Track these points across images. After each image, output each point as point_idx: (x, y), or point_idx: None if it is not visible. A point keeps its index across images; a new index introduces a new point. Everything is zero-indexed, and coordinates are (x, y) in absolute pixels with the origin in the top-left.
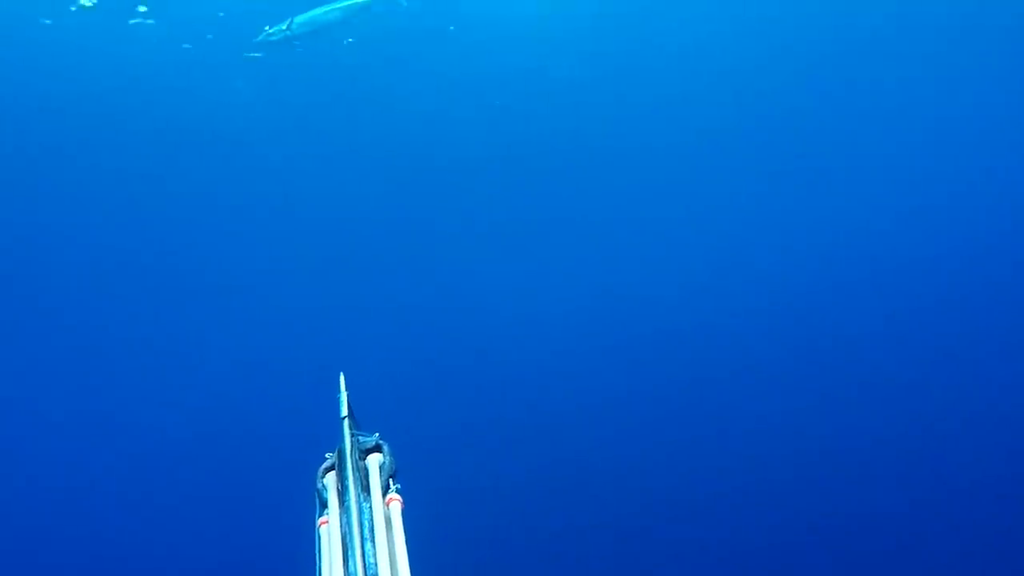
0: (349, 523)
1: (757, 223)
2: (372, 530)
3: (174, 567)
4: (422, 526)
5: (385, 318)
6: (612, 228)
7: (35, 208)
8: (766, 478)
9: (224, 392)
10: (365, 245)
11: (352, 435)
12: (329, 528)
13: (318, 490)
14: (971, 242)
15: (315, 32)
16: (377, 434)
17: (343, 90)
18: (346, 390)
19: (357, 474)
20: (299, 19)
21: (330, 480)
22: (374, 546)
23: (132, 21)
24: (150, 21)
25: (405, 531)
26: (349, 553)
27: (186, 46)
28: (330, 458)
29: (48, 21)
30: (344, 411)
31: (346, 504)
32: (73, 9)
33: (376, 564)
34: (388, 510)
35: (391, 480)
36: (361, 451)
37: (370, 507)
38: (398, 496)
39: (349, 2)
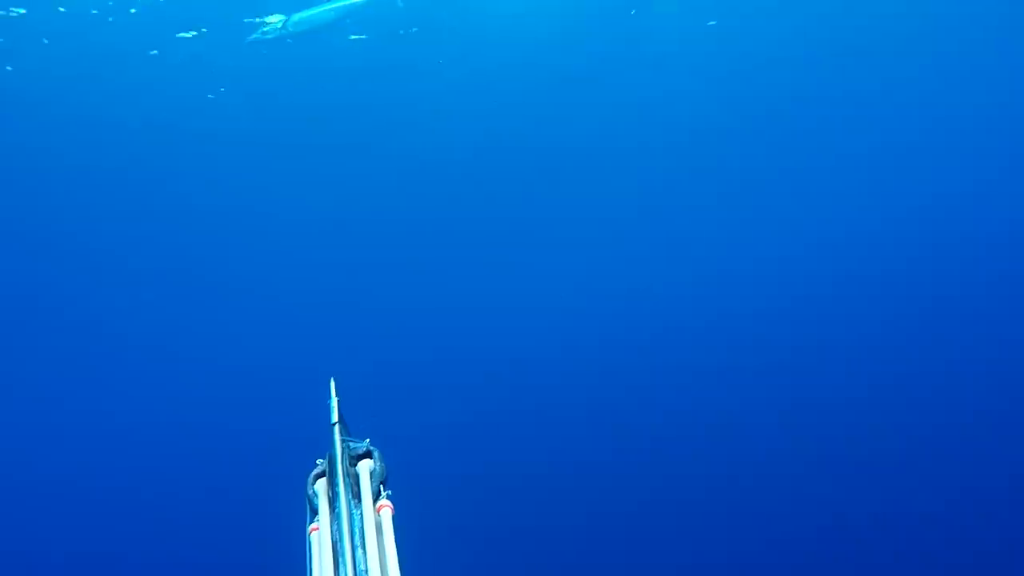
0: (340, 530)
1: (755, 224)
2: (363, 537)
3: (165, 574)
4: (413, 532)
5: (376, 324)
6: (602, 232)
7: (33, 208)
8: (764, 477)
9: (214, 398)
10: (356, 252)
11: (343, 441)
12: (320, 535)
13: (309, 497)
14: (971, 242)
15: (310, 31)
16: (368, 440)
17: (340, 93)
18: (337, 396)
19: (348, 480)
20: (295, 18)
21: (321, 487)
22: (365, 553)
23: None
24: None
25: (396, 537)
26: (340, 560)
27: (182, 34)
28: (321, 464)
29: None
30: (335, 417)
31: (337, 511)
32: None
33: (367, 571)
34: (379, 516)
35: (382, 486)
36: (352, 457)
37: (361, 514)
38: (389, 502)
39: (345, 2)
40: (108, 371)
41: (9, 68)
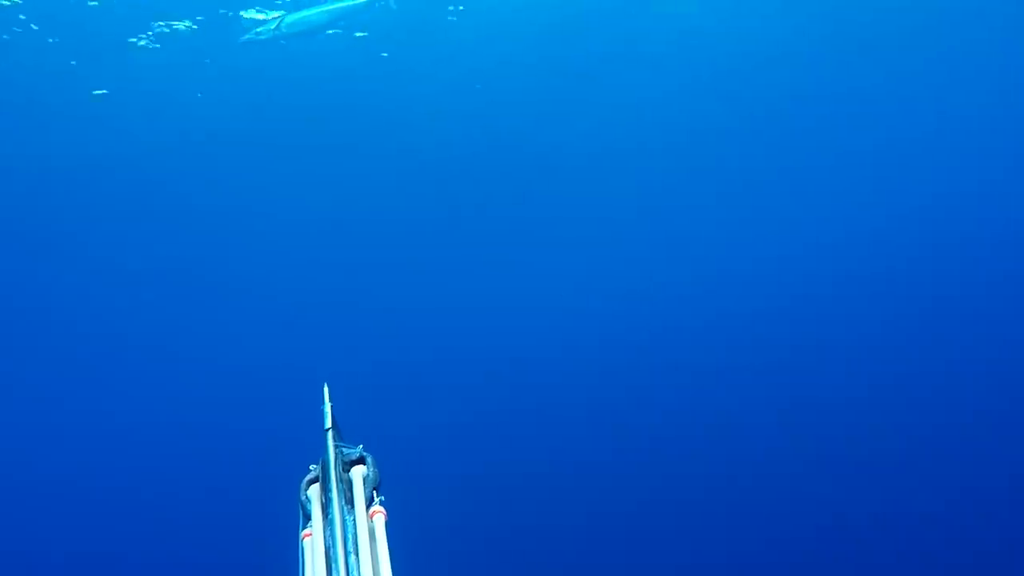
0: (333, 536)
1: (754, 223)
2: (356, 543)
3: None
4: (406, 539)
5: (370, 330)
6: (599, 230)
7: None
8: (762, 477)
9: (208, 404)
10: (350, 257)
11: (336, 447)
12: (313, 541)
13: (302, 502)
14: (971, 241)
15: (304, 32)
16: (361, 446)
17: (335, 92)
18: (330, 402)
19: (341, 486)
20: (289, 19)
21: (314, 492)
22: (358, 559)
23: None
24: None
25: (389, 544)
26: (333, 566)
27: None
28: (314, 470)
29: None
30: (328, 423)
31: (330, 517)
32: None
33: None
34: (372, 523)
35: (375, 492)
36: (345, 463)
37: (354, 520)
38: (382, 508)
39: (339, 4)
40: (101, 373)
41: None
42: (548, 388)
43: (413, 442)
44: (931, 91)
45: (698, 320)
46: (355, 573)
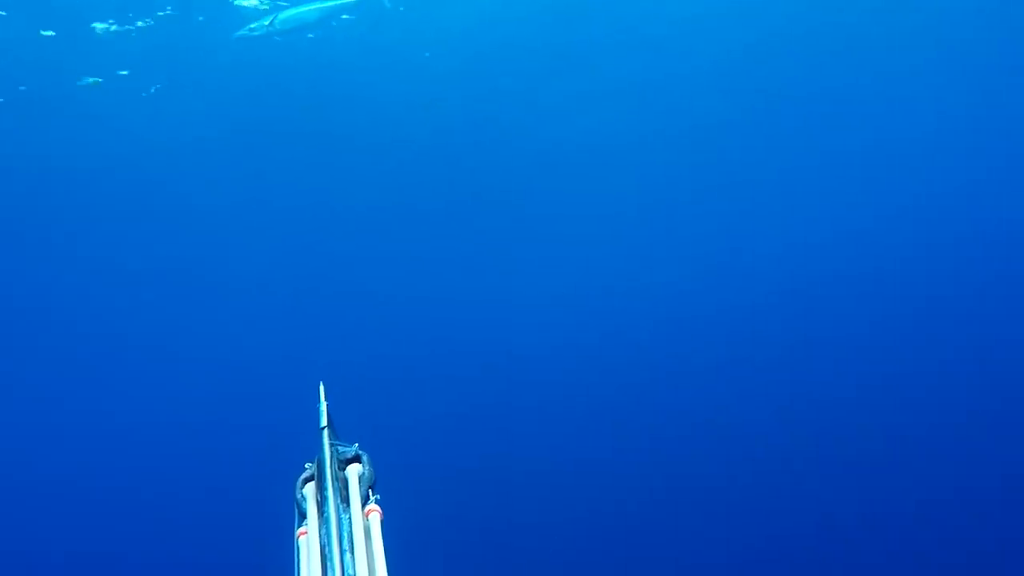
0: (328, 534)
1: (752, 220)
2: (351, 541)
3: None
4: (401, 537)
5: (366, 328)
6: (595, 225)
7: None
8: (760, 475)
9: (202, 402)
10: (345, 254)
11: (331, 445)
12: (308, 539)
13: (297, 501)
14: (968, 241)
15: (297, 29)
16: (357, 444)
17: (327, 84)
18: (326, 400)
19: (336, 485)
20: (282, 15)
21: (309, 491)
22: (353, 557)
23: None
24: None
25: (384, 542)
26: (328, 564)
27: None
28: (309, 468)
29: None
30: (324, 421)
31: (325, 515)
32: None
33: (355, 575)
34: (367, 521)
35: (370, 491)
36: (340, 461)
37: (349, 518)
38: (377, 507)
39: (333, 1)
40: (91, 371)
41: None
42: (545, 385)
43: (409, 440)
44: (931, 88)
45: (695, 314)
46: (350, 572)
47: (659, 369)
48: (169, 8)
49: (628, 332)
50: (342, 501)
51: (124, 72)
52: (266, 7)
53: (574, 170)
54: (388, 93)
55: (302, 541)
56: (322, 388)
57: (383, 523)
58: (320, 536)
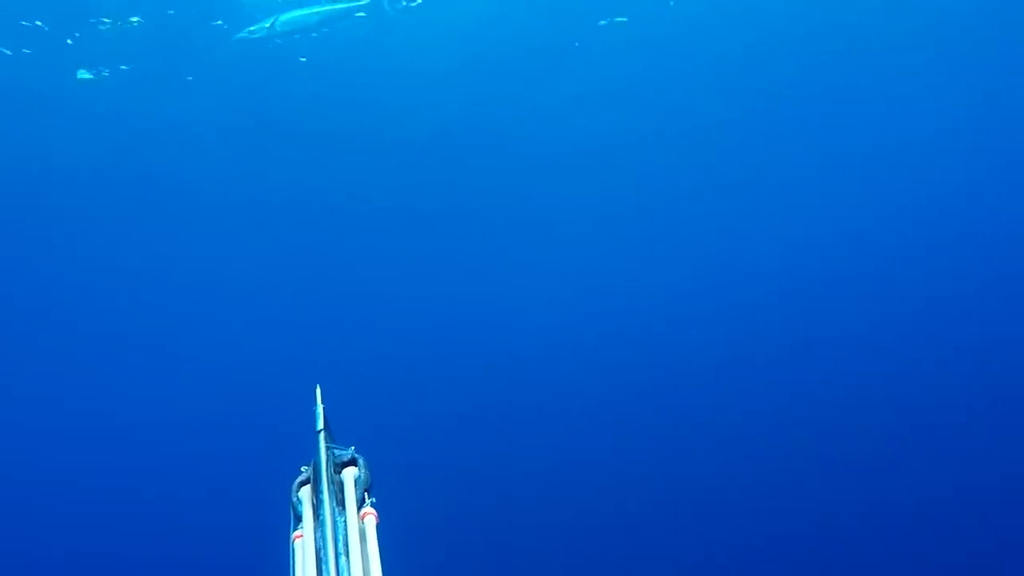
0: (323, 537)
1: (750, 218)
2: (347, 544)
3: None
4: (397, 541)
5: (363, 331)
6: (590, 227)
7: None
8: (757, 474)
9: (198, 404)
10: (342, 257)
11: (327, 448)
12: (303, 542)
13: (293, 504)
14: (968, 240)
15: (298, 31)
16: (353, 448)
17: (322, 84)
18: (322, 403)
19: (332, 488)
20: (283, 18)
21: (305, 494)
22: (348, 560)
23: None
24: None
25: (380, 546)
26: (323, 567)
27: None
28: (305, 472)
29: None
30: (320, 424)
31: (320, 518)
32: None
33: None
34: (363, 524)
35: (366, 494)
36: (336, 465)
37: (345, 521)
38: (373, 510)
39: (335, 5)
40: (86, 371)
41: None
42: (542, 387)
43: (406, 443)
44: (930, 87)
45: (693, 314)
46: (345, 574)
47: (657, 369)
48: (172, 10)
49: (626, 333)
50: (338, 504)
51: (124, 67)
52: None
53: (572, 171)
54: (388, 95)
55: (297, 544)
56: (319, 391)
57: (379, 526)
58: (315, 539)
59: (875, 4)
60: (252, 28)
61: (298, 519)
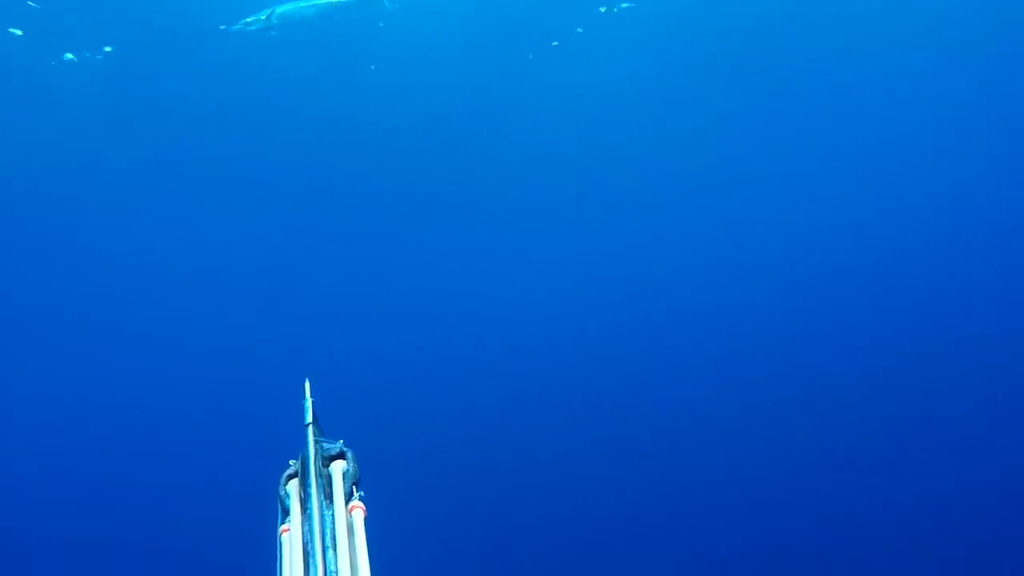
0: (311, 531)
1: (748, 215)
2: (334, 538)
3: (135, 574)
4: (385, 534)
5: (352, 325)
6: (583, 223)
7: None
8: (752, 470)
9: (187, 398)
10: (331, 252)
11: (316, 442)
12: (291, 536)
13: (280, 497)
14: (967, 236)
15: (294, 24)
16: (341, 441)
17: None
18: (311, 396)
19: (320, 481)
20: (280, 10)
21: (293, 487)
22: (336, 554)
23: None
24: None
25: (368, 539)
26: (310, 561)
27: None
28: (293, 465)
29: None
30: (308, 418)
31: (308, 512)
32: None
33: (337, 571)
34: (351, 518)
35: (355, 487)
36: (325, 458)
37: (332, 515)
38: (361, 504)
39: None
40: (76, 365)
41: None
42: (533, 381)
43: (394, 437)
44: (929, 85)
45: (686, 310)
46: (332, 568)
47: (649, 362)
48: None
49: (620, 325)
50: (326, 498)
51: (108, 48)
52: None
53: (566, 164)
54: (383, 85)
55: (285, 538)
56: (307, 385)
57: (367, 520)
58: (303, 533)
59: (873, 2)
60: (248, 20)
61: (285, 513)
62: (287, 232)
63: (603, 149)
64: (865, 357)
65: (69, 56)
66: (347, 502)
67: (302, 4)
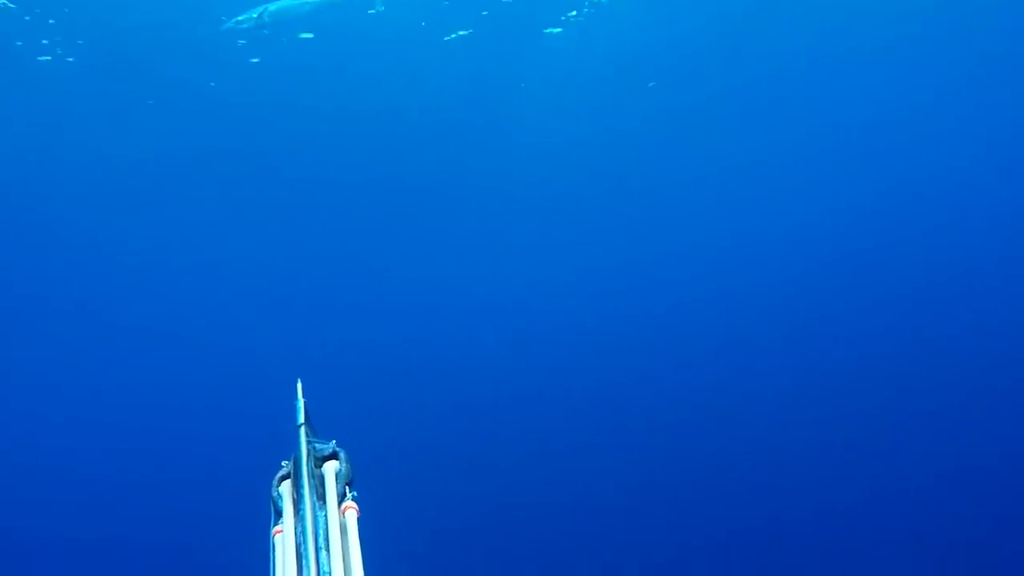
0: (304, 532)
1: (744, 211)
2: (327, 539)
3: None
4: (378, 535)
5: (343, 325)
6: (579, 221)
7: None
8: (751, 464)
9: (179, 399)
10: (323, 253)
11: (308, 442)
12: (283, 537)
13: (273, 498)
14: (966, 232)
15: (285, 22)
16: (334, 441)
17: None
18: (303, 397)
19: (313, 482)
20: (272, 8)
21: (285, 488)
22: (329, 555)
23: None
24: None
25: (361, 540)
26: (303, 562)
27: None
28: (286, 466)
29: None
30: (301, 418)
31: (301, 512)
32: None
33: (330, 572)
34: (344, 518)
35: (347, 488)
36: (317, 459)
37: (325, 515)
38: (354, 504)
39: None
40: (70, 365)
41: None
42: (526, 382)
43: (388, 438)
44: (929, 83)
45: (681, 303)
46: (326, 570)
47: (649, 357)
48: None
49: (613, 321)
50: (318, 499)
51: (81, 42)
52: None
53: (559, 157)
54: (375, 85)
55: (277, 539)
56: (300, 385)
57: (360, 520)
58: (296, 534)
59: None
60: (240, 18)
61: (278, 514)
62: (277, 229)
63: (598, 142)
64: (863, 350)
65: (58, 52)
66: (340, 503)
67: (294, 2)
